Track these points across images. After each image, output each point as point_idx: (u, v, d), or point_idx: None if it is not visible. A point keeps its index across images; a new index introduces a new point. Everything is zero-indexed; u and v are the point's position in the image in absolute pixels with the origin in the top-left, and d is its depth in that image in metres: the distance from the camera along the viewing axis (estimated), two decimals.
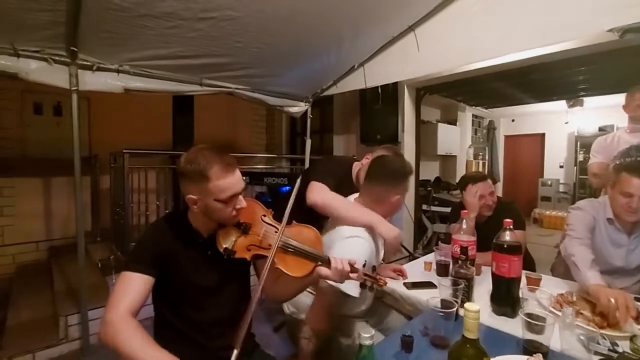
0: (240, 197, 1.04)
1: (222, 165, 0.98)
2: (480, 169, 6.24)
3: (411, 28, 2.30)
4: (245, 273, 1.20)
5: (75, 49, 1.89)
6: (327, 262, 1.03)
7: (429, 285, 1.46)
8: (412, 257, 3.54)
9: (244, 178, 1.09)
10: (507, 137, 7.60)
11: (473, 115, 6.29)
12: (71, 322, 2.23)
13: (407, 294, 1.43)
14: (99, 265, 2.84)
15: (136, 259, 1.01)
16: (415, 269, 1.73)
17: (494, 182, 6.90)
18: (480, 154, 6.47)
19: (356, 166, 1.80)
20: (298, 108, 3.06)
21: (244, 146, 4.80)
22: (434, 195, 4.11)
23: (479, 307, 0.64)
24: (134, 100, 2.53)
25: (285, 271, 1.03)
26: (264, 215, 1.13)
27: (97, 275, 2.69)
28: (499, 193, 7.43)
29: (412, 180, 3.57)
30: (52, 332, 2.23)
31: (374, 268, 1.12)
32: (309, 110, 3.12)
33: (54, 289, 2.69)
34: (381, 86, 2.89)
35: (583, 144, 6.16)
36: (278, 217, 1.12)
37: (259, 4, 1.84)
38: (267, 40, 2.17)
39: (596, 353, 0.94)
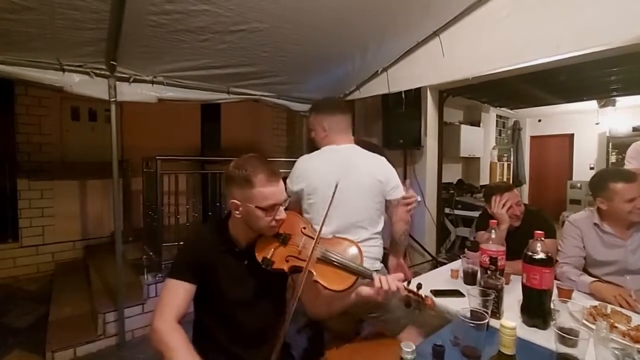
0: (281, 208, 1.06)
1: (267, 173, 1.01)
2: (505, 171, 6.09)
3: (436, 33, 2.30)
4: (282, 286, 1.20)
5: (115, 63, 2.02)
6: (370, 278, 1.01)
7: (456, 293, 1.47)
8: (435, 261, 3.52)
9: None
10: (533, 137, 7.37)
11: (497, 115, 6.16)
12: (108, 319, 2.37)
13: (436, 303, 1.44)
14: (132, 265, 2.99)
15: (179, 266, 1.06)
16: (441, 276, 1.74)
17: (520, 184, 6.72)
18: (505, 155, 6.32)
19: None
20: None
21: (266, 149, 4.90)
22: (457, 198, 4.06)
23: (516, 324, 0.66)
24: (164, 107, 2.65)
25: (324, 284, 1.01)
26: (304, 228, 1.14)
27: (131, 275, 2.83)
28: (525, 195, 7.22)
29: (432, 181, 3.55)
30: (90, 328, 2.37)
31: (419, 286, 1.05)
32: None
33: (91, 286, 2.85)
34: (405, 91, 2.89)
35: (615, 144, 5.90)
36: None
37: (285, 16, 1.89)
38: (292, 49, 2.23)
39: None
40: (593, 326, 1.11)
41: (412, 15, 2.14)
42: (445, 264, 2.04)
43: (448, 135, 4.65)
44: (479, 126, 5.38)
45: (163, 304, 1.00)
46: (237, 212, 1.04)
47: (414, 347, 0.62)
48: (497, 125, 6.20)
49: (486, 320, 1.01)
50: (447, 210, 4.01)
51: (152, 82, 2.23)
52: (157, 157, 2.52)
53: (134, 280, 2.76)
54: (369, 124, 3.97)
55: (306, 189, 1.50)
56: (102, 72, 2.07)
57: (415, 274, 1.88)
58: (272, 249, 1.06)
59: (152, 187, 2.73)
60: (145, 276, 2.67)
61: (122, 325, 2.33)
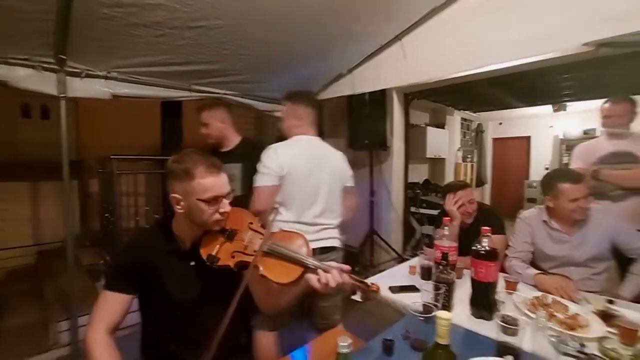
0: (225, 201, 1.03)
1: (207, 165, 1.00)
2: (469, 171, 6.36)
3: (398, 37, 2.36)
4: (231, 286, 1.12)
5: (64, 57, 1.90)
6: (316, 269, 0.99)
7: (412, 289, 1.51)
8: (400, 259, 3.61)
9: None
10: (495, 139, 7.76)
11: (462, 118, 6.41)
12: (61, 328, 2.24)
13: (392, 298, 1.48)
14: (88, 270, 2.83)
15: (114, 276, 1.02)
16: (400, 273, 1.79)
17: (482, 184, 7.04)
18: (469, 156, 6.60)
19: None
20: None
21: (201, 146, 4.78)
22: (422, 197, 4.18)
23: (451, 315, 0.69)
24: (124, 105, 2.53)
25: (270, 277, 0.99)
26: (251, 223, 1.11)
27: (87, 281, 2.69)
28: (487, 194, 7.57)
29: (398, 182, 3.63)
30: (42, 338, 2.24)
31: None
32: None
33: (44, 294, 2.68)
34: (369, 92, 2.95)
35: (568, 146, 6.32)
36: None
37: (247, 13, 1.87)
38: (255, 48, 2.21)
39: (565, 354, 1.00)
40: (534, 316, 1.18)
41: (375, 19, 2.19)
42: None
43: (414, 137, 4.79)
44: (444, 128, 5.58)
45: (96, 316, 0.98)
46: (179, 206, 1.02)
47: (350, 341, 0.63)
48: (461, 128, 6.46)
49: (434, 313, 1.05)
50: (413, 209, 4.13)
51: (106, 78, 2.13)
52: (112, 157, 2.40)
53: (89, 286, 2.62)
54: (335, 125, 4.01)
55: (288, 177, 1.57)
56: (51, 67, 1.94)
57: (381, 272, 1.93)
58: (218, 246, 1.03)
59: (108, 188, 2.60)
60: (102, 282, 2.54)
61: (75, 334, 2.20)
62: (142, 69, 2.20)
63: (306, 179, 1.60)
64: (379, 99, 3.30)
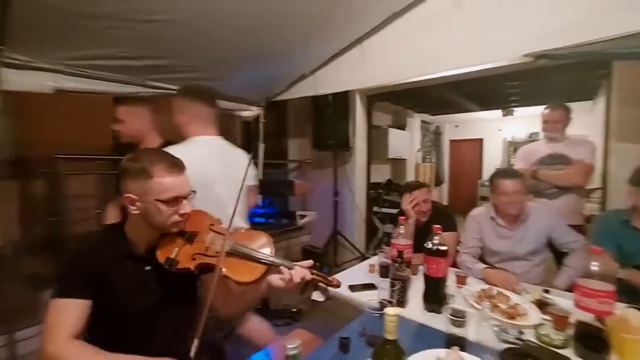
0: (185, 202, 1.00)
1: (167, 164, 0.96)
2: (428, 171, 6.65)
3: (359, 41, 2.41)
4: (191, 289, 1.12)
5: (2, 47, 1.73)
6: (278, 266, 0.99)
7: (372, 287, 1.56)
8: (363, 258, 3.70)
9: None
10: (451, 141, 8.19)
11: (421, 120, 6.69)
12: None
13: (351, 297, 1.51)
14: (29, 280, 2.59)
15: (68, 282, 0.93)
16: (361, 271, 1.83)
17: (440, 183, 7.40)
18: (428, 157, 6.91)
19: None
20: (250, 112, 3.05)
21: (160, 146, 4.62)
22: (385, 197, 4.31)
23: (398, 311, 0.72)
24: (73, 100, 2.34)
25: (233, 277, 0.97)
26: (212, 224, 1.09)
27: (27, 292, 2.46)
28: (445, 193, 7.97)
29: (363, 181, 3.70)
30: None
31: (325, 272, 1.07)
32: (262, 114, 3.12)
33: None
34: (332, 94, 2.99)
35: (515, 148, 6.81)
36: None
37: (203, 13, 1.82)
38: (215, 46, 2.15)
39: (505, 342, 1.09)
40: (480, 307, 1.27)
41: (336, 23, 2.21)
42: None
43: (377, 138, 4.93)
44: (405, 130, 5.80)
45: (52, 328, 0.88)
46: (134, 207, 0.96)
47: (299, 343, 0.64)
48: (421, 130, 6.74)
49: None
50: (375, 209, 4.24)
51: (50, 70, 1.96)
52: (57, 156, 2.21)
53: (31, 297, 2.40)
54: (300, 125, 4.02)
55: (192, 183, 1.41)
56: None
57: (343, 270, 1.97)
58: (177, 248, 0.99)
59: (54, 190, 2.40)
60: (45, 293, 2.34)
61: (12, 350, 2.02)
62: (92, 62, 2.05)
63: (213, 184, 1.48)
64: (343, 100, 3.36)
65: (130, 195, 0.95)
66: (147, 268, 1.02)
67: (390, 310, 0.72)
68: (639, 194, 1.47)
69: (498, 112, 6.40)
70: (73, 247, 1.02)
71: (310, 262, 1.02)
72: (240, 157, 1.70)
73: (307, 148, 3.82)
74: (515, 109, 6.03)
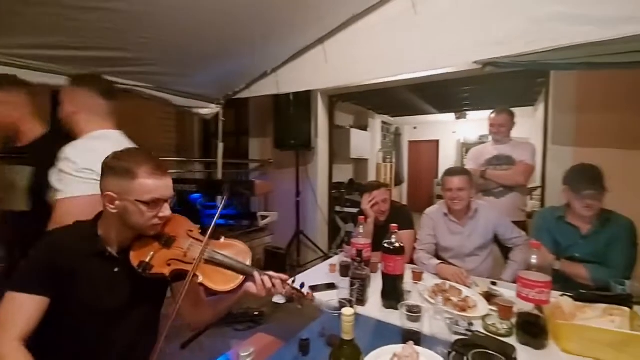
0: (166, 205, 0.98)
1: (152, 166, 0.94)
2: (389, 171, 6.87)
3: (320, 41, 2.41)
4: (160, 296, 1.10)
5: None
6: (255, 277, 1.02)
7: (331, 287, 1.56)
8: (326, 258, 3.73)
9: None
10: (410, 142, 8.52)
11: (382, 122, 6.89)
12: None
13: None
14: None
15: (28, 276, 0.88)
16: (322, 271, 1.84)
17: (400, 183, 7.67)
18: (389, 157, 7.13)
19: None
20: (209, 110, 2.94)
21: (151, 147, 4.38)
22: (347, 197, 4.38)
23: (354, 311, 0.73)
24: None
25: (209, 285, 0.96)
26: (191, 231, 1.07)
27: None
28: (405, 192, 8.28)
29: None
30: None
31: (302, 285, 1.10)
32: (221, 112, 3.02)
33: None
34: (294, 93, 2.97)
35: (467, 149, 7.26)
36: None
37: (156, 4, 1.72)
38: (170, 40, 2.05)
39: (456, 333, 1.14)
40: (434, 301, 1.33)
41: (298, 21, 2.20)
42: None
43: (339, 138, 4.99)
44: (366, 130, 5.93)
45: (2, 323, 0.83)
46: (112, 206, 0.93)
47: (252, 350, 0.63)
48: (382, 130, 6.94)
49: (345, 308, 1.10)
50: (338, 208, 4.29)
51: None
52: None
53: None
54: (262, 124, 3.96)
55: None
56: None
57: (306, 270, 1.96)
58: (152, 252, 0.95)
59: None
60: None
61: None
62: (30, 51, 1.86)
63: None
64: (304, 100, 3.36)
65: (110, 193, 0.92)
66: (116, 269, 0.98)
67: (346, 311, 0.72)
68: (570, 193, 1.62)
69: (452, 115, 6.77)
70: (41, 241, 0.95)
71: (286, 277, 1.05)
72: None
73: (269, 147, 3.77)
74: (467, 112, 6.41)
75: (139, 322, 1.03)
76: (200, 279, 0.96)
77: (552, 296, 1.19)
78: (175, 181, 2.22)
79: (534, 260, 1.12)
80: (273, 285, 1.02)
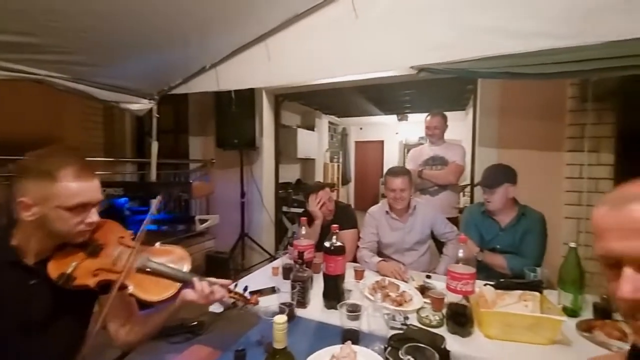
0: (94, 210, 0.89)
1: (77, 167, 0.84)
2: (336, 171, 6.99)
3: (262, 38, 2.35)
4: (86, 309, 0.99)
5: None
6: (193, 284, 0.95)
7: (272, 290, 1.52)
8: (273, 259, 3.66)
9: None
10: (357, 142, 8.78)
11: (329, 122, 6.99)
12: None
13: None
14: None
15: None
16: (265, 275, 1.78)
17: (347, 182, 7.85)
18: (336, 157, 7.26)
19: None
20: (140, 105, 2.69)
21: (74, 146, 3.92)
22: (294, 197, 4.35)
23: (286, 319, 0.70)
24: None
25: (142, 296, 0.89)
26: (122, 237, 0.98)
27: None
28: (352, 191, 8.51)
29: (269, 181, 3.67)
30: None
31: (245, 288, 1.08)
32: (155, 108, 2.79)
33: None
34: (236, 91, 2.86)
35: (409, 150, 7.67)
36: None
37: None
38: (89, 26, 1.83)
39: (392, 328, 1.18)
40: (373, 298, 1.36)
41: (236, 16, 2.11)
42: None
43: (286, 138, 4.95)
44: (313, 130, 5.96)
45: None
46: (29, 214, 0.82)
47: None
48: (329, 131, 7.04)
49: (285, 312, 1.07)
50: (285, 209, 4.25)
51: None
52: None
53: None
54: (203, 122, 3.76)
55: None
56: None
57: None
58: (75, 262, 0.86)
59: None
60: None
61: None
62: None
63: None
64: (248, 98, 3.25)
65: (25, 199, 0.82)
66: (32, 282, 0.86)
67: (278, 319, 0.70)
68: (486, 191, 1.79)
69: (395, 117, 7.10)
70: None
71: (228, 281, 1.01)
72: None
73: (212, 147, 3.59)
74: (408, 114, 6.78)
75: (64, 340, 0.93)
76: (131, 289, 0.88)
77: (477, 286, 1.29)
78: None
79: (460, 254, 1.20)
80: (212, 291, 0.96)
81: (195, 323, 2.33)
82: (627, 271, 0.46)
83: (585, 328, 1.16)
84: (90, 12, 1.74)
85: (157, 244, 1.04)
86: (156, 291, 0.91)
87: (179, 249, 1.06)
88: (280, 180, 4.18)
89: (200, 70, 2.57)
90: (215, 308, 1.45)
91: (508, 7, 1.65)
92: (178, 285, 0.94)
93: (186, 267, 1.00)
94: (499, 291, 1.28)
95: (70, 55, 2.06)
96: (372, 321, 1.20)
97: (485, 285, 1.32)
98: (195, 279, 0.96)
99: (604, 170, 2.38)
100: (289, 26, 2.30)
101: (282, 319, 0.69)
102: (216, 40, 2.30)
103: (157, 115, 2.82)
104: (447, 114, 2.76)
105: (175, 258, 1.01)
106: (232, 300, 1.02)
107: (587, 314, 1.30)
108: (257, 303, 1.05)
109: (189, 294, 0.95)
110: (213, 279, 1.00)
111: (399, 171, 1.96)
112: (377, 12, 1.99)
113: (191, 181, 3.36)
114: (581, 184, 2.44)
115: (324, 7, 2.14)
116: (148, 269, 0.93)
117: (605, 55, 1.52)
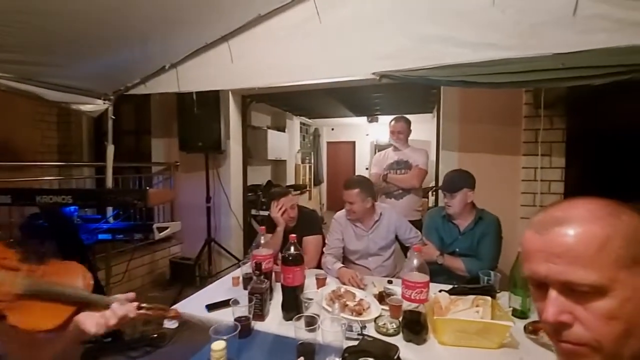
0: None
1: None
2: (308, 172, 6.97)
3: (225, 39, 2.28)
4: None
5: None
6: (98, 304, 0.82)
7: (229, 304, 1.47)
8: (241, 264, 3.57)
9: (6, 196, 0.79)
10: (329, 143, 8.81)
11: (300, 123, 6.94)
12: None
13: (208, 318, 1.39)
14: None
15: None
16: (225, 286, 1.73)
17: (319, 183, 7.85)
18: (307, 158, 7.23)
19: None
20: (94, 106, 2.52)
21: (25, 148, 3.64)
22: (263, 199, 4.27)
23: (224, 345, 0.66)
24: None
25: (23, 326, 0.76)
26: (5, 258, 0.84)
27: None
28: (324, 192, 8.52)
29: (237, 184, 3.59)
30: None
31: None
32: (111, 109, 2.63)
33: None
34: (199, 92, 2.76)
35: (379, 151, 7.83)
36: None
37: None
38: (37, 20, 1.69)
39: (348, 339, 1.17)
40: (331, 309, 1.34)
41: (197, 14, 2.03)
42: None
43: (256, 139, 4.86)
44: (284, 132, 5.90)
45: None
46: None
47: None
48: (300, 131, 7.00)
49: (237, 330, 1.03)
50: (254, 212, 4.16)
51: None
52: None
53: None
54: (166, 123, 3.61)
55: None
56: None
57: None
58: None
59: None
60: None
61: None
62: None
63: None
64: (213, 99, 3.15)
65: None
66: None
67: (215, 345, 0.66)
68: (446, 195, 1.83)
69: (365, 119, 7.19)
70: None
71: (132, 294, 0.86)
72: None
73: (176, 149, 3.45)
74: (379, 116, 6.88)
75: None
76: (10, 321, 0.75)
77: (432, 291, 1.31)
78: (41, 192, 1.84)
79: (414, 262, 1.21)
80: (113, 310, 0.80)
81: (156, 335, 2.25)
82: (552, 293, 0.47)
83: (532, 330, 1.21)
84: (33, 11, 1.61)
85: (52, 260, 0.90)
86: (43, 319, 0.79)
87: (73, 263, 0.92)
88: (250, 183, 4.09)
89: (159, 70, 2.46)
90: (170, 324, 1.37)
91: (457, 18, 1.71)
92: (72, 308, 0.82)
93: (82, 285, 0.87)
94: (453, 297, 1.31)
95: (15, 54, 1.90)
96: (328, 333, 1.18)
97: (440, 291, 1.35)
98: (96, 297, 0.84)
99: (555, 172, 2.52)
100: (252, 27, 2.25)
101: (220, 345, 0.66)
102: (175, 38, 2.20)
103: (113, 117, 2.66)
104: (416, 116, 2.82)
105: (69, 276, 0.88)
106: (146, 316, 0.86)
107: (536, 316, 1.36)
108: (177, 315, 0.90)
109: (85, 318, 0.78)
110: (119, 296, 0.85)
111: (350, 183, 1.93)
112: (340, 19, 1.99)
113: (147, 188, 3.20)
114: (535, 186, 2.56)
115: (288, 9, 2.11)
116: (36, 293, 0.80)
117: (553, 67, 1.60)
